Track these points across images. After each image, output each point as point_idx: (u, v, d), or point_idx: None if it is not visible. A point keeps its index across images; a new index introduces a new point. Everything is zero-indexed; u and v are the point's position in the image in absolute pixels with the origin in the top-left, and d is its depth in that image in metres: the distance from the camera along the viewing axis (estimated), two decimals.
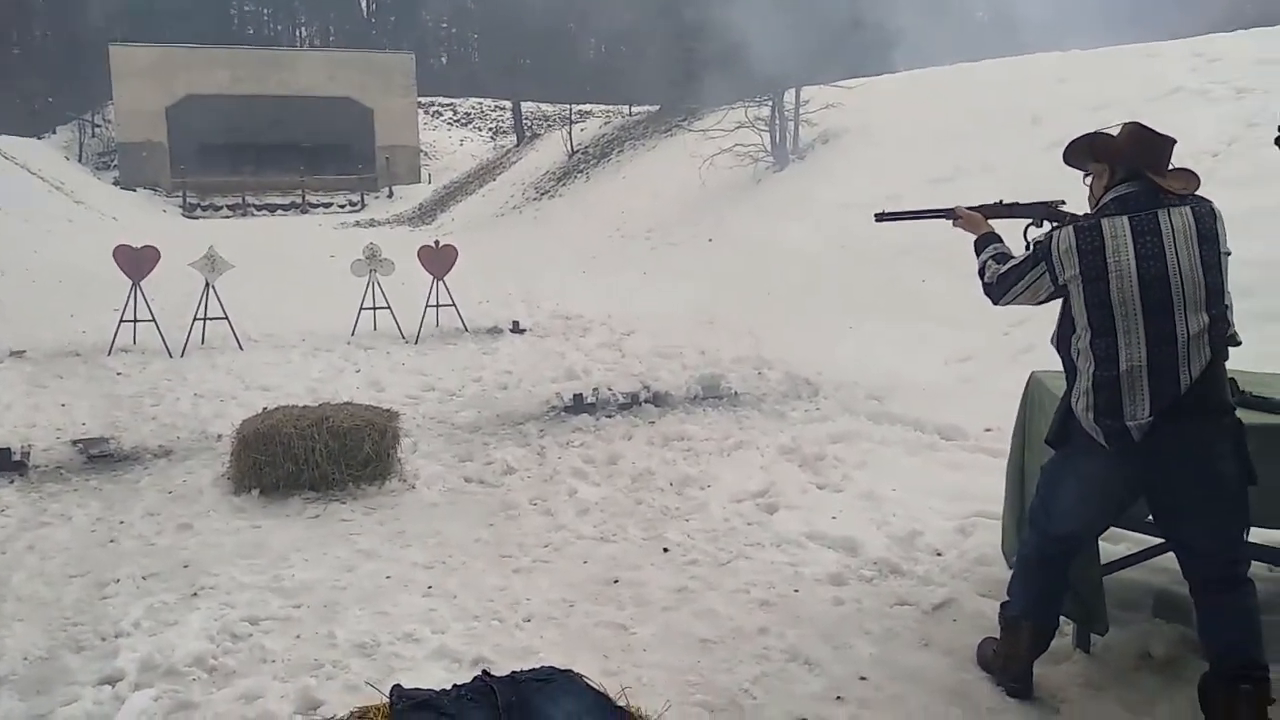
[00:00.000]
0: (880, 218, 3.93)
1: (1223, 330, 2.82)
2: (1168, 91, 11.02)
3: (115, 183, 34.33)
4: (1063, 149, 3.14)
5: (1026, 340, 7.66)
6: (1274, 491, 2.97)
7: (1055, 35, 14.91)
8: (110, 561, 4.44)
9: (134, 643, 3.59)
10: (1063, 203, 3.60)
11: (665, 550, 4.53)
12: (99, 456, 6.10)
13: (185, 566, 4.37)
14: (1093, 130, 3.10)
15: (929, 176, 11.69)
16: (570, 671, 2.48)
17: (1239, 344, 2.93)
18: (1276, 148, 2.89)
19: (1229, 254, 2.88)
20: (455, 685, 2.40)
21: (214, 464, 5.85)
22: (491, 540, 4.72)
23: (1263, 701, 2.77)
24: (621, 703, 2.41)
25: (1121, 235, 2.81)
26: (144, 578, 4.24)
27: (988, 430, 5.97)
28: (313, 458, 5.37)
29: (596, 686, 2.45)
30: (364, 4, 64.81)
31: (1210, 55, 11.70)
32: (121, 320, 9.45)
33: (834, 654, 3.49)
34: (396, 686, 2.39)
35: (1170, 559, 3.58)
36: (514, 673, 2.46)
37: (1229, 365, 2.88)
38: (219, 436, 6.44)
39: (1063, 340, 3.01)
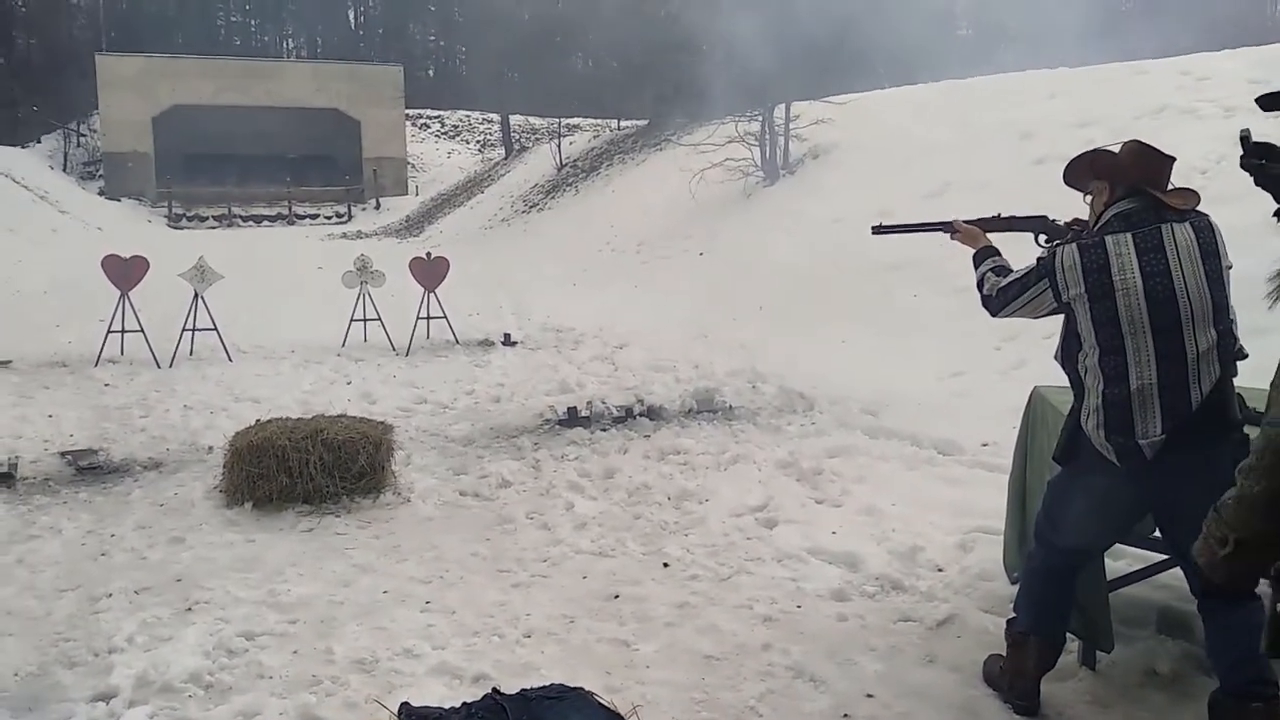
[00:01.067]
0: (878, 230, 3.93)
1: (1230, 345, 2.83)
2: (1156, 109, 11.10)
3: (100, 193, 34.06)
4: (1056, 166, 3.14)
5: (1018, 356, 7.68)
6: None
7: (1041, 52, 15.02)
8: (102, 575, 4.38)
9: (128, 658, 3.53)
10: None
11: (665, 565, 4.49)
12: (88, 468, 6.03)
13: (178, 581, 4.31)
14: (1091, 148, 3.10)
15: (919, 192, 11.72)
16: (581, 689, 2.45)
17: (1245, 357, 2.93)
18: (1241, 169, 2.87)
19: (1230, 267, 2.89)
20: (465, 703, 2.36)
21: (205, 476, 5.78)
22: (489, 555, 4.67)
23: (1274, 718, 2.76)
24: None
25: (1126, 252, 2.81)
26: (136, 592, 4.18)
27: (985, 445, 5.97)
28: (307, 470, 5.32)
29: (608, 704, 2.42)
30: (352, 16, 64.85)
31: (1198, 74, 11.78)
32: (109, 331, 9.36)
33: (839, 671, 3.47)
34: (405, 704, 2.36)
35: (1172, 575, 3.59)
36: (524, 690, 2.43)
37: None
38: (210, 449, 6.38)
39: (1068, 357, 3.00)
